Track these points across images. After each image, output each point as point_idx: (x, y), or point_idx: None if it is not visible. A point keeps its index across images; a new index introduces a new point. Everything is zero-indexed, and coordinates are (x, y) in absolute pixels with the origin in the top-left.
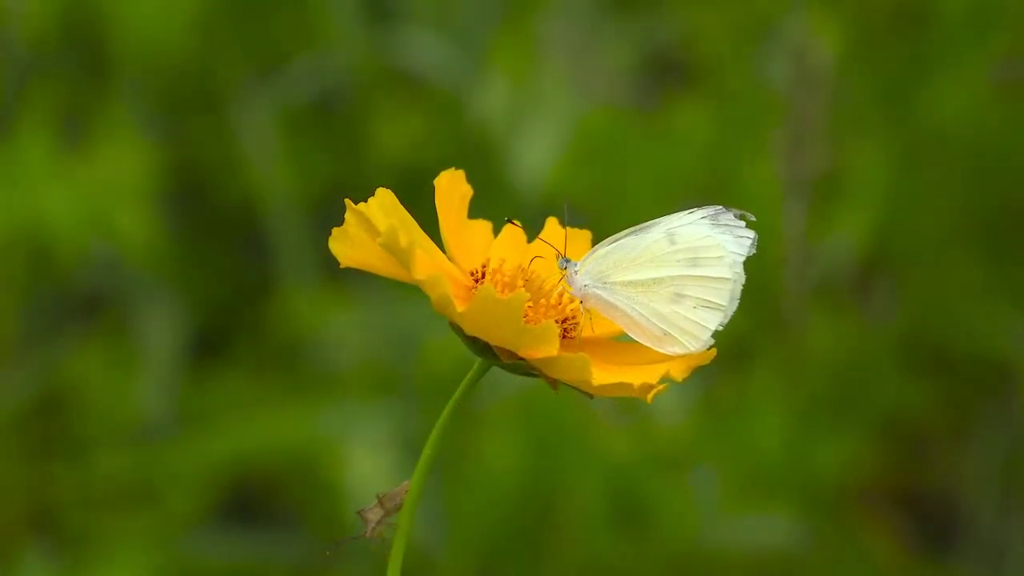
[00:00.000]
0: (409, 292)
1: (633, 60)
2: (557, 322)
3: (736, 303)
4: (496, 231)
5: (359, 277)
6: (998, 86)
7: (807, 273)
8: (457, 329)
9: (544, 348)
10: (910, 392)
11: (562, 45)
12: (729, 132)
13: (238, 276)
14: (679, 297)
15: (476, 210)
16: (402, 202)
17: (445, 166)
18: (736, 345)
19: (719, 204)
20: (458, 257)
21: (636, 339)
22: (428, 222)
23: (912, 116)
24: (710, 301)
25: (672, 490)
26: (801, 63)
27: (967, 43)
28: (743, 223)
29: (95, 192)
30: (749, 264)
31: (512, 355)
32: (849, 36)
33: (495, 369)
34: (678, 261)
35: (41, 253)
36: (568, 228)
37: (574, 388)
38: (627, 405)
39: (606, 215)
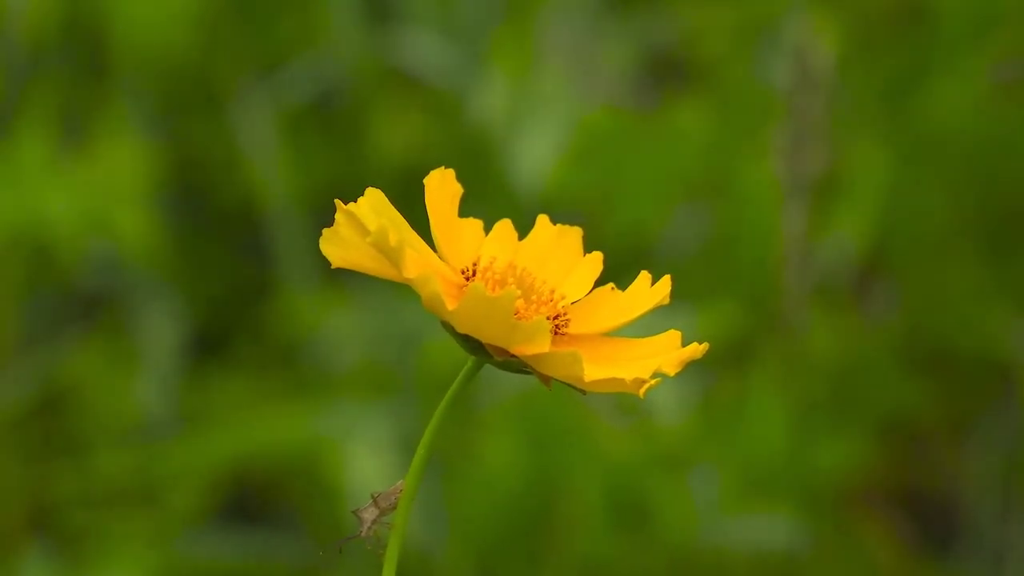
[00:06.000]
0: (408, 292)
1: (633, 60)
2: (548, 318)
3: None
4: (488, 229)
5: (358, 277)
6: (998, 86)
7: (807, 273)
8: (449, 328)
9: (535, 345)
10: (910, 392)
11: (562, 45)
12: (729, 132)
13: (238, 276)
14: None
15: (476, 210)
16: (402, 202)
17: (445, 166)
18: (736, 345)
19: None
20: (449, 256)
21: None
22: (427, 222)
23: (912, 116)
24: None
25: (672, 490)
26: (801, 63)
27: (967, 43)
28: None
29: (95, 192)
30: (749, 264)
31: (504, 352)
32: (849, 36)
33: (496, 369)
34: None
35: (41, 253)
36: (559, 225)
37: (567, 384)
38: (627, 405)
39: (605, 215)
